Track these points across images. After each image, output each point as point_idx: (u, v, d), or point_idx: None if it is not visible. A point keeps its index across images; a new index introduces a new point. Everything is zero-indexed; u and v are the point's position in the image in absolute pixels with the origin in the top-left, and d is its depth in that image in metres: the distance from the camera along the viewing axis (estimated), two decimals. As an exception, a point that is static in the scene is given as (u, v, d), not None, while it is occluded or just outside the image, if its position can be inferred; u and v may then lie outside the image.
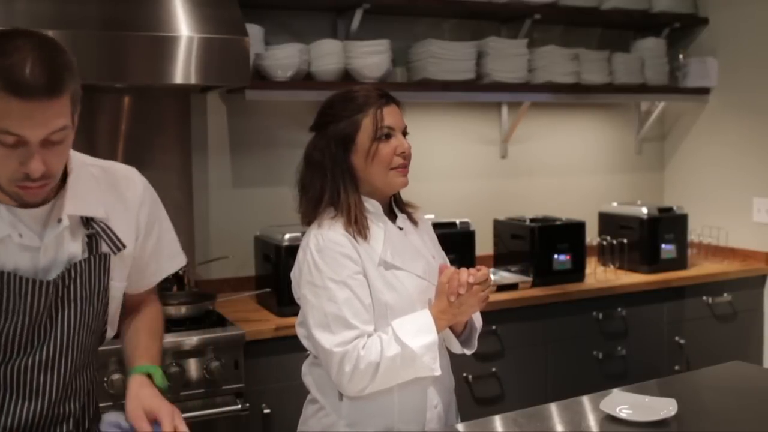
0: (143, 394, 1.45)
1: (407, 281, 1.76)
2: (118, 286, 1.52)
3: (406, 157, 1.76)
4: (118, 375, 2.37)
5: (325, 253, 1.70)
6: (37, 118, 1.23)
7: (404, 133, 1.79)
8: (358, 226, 1.72)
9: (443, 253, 1.96)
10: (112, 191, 1.51)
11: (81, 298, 1.43)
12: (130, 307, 1.64)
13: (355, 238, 1.72)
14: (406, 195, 1.91)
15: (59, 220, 1.40)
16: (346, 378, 1.67)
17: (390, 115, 1.75)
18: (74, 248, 1.43)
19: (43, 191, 1.33)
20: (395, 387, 1.73)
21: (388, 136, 1.74)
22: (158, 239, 1.61)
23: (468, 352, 1.88)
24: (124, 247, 1.49)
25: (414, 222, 1.89)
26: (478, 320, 1.90)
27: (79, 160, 1.48)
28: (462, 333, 1.85)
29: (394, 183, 1.77)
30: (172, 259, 1.67)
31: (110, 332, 1.60)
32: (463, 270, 1.73)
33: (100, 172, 1.51)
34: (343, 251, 1.70)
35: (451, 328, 1.82)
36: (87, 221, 1.45)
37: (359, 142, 1.73)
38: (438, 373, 1.71)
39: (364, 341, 1.67)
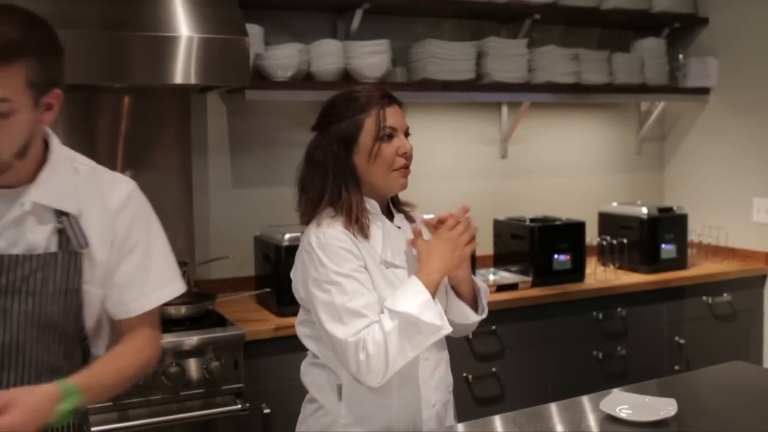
0: (14, 391, 1.30)
1: (406, 280, 1.76)
2: (92, 292, 1.46)
3: (408, 157, 1.77)
4: (118, 375, 2.37)
5: (328, 249, 1.70)
6: None
7: (406, 134, 1.79)
8: (358, 225, 1.73)
9: None
10: (93, 190, 1.47)
11: (43, 293, 1.39)
12: (119, 334, 1.55)
13: (355, 236, 1.72)
14: (406, 194, 1.91)
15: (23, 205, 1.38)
16: (364, 367, 1.65)
17: (392, 116, 1.76)
18: (36, 238, 1.40)
19: None
20: (394, 386, 1.73)
21: (390, 137, 1.75)
22: (143, 261, 1.51)
23: (482, 316, 1.87)
24: (87, 245, 1.42)
25: (411, 221, 1.90)
26: (480, 284, 1.90)
27: (64, 154, 1.45)
28: (476, 304, 1.86)
29: (394, 185, 1.78)
30: (161, 288, 1.54)
31: (94, 350, 1.54)
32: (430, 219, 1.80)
33: (86, 170, 1.48)
34: (344, 246, 1.70)
35: (458, 293, 1.82)
36: (59, 215, 1.42)
37: (361, 142, 1.74)
38: (448, 330, 1.69)
39: (369, 329, 1.66)
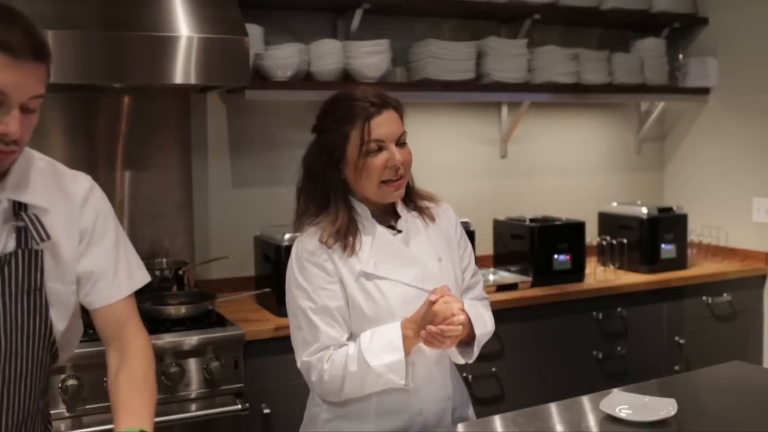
0: None
1: (389, 291, 1.72)
2: (58, 289, 1.43)
3: (398, 169, 1.69)
4: (118, 375, 2.37)
5: (300, 263, 1.72)
6: (22, 77, 1.26)
7: (401, 140, 1.71)
8: (340, 236, 1.70)
9: (469, 247, 1.94)
10: (55, 184, 1.46)
11: (4, 293, 1.35)
12: (104, 332, 1.53)
13: (330, 248, 1.70)
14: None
15: None
16: (315, 387, 1.73)
17: (381, 126, 1.67)
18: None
19: (10, 159, 1.33)
20: (374, 391, 1.72)
21: (379, 149, 1.68)
22: (112, 250, 1.52)
23: (467, 361, 1.80)
24: (48, 238, 1.39)
25: (431, 219, 1.82)
26: (482, 326, 1.77)
27: (26, 151, 1.44)
28: (464, 344, 1.77)
29: (387, 197, 1.73)
30: (134, 275, 1.55)
31: (62, 355, 1.51)
32: (448, 308, 1.63)
33: (46, 165, 1.47)
34: (316, 261, 1.70)
35: None
36: (18, 212, 1.39)
37: (349, 155, 1.69)
38: (409, 386, 1.68)
39: (329, 353, 1.68)
